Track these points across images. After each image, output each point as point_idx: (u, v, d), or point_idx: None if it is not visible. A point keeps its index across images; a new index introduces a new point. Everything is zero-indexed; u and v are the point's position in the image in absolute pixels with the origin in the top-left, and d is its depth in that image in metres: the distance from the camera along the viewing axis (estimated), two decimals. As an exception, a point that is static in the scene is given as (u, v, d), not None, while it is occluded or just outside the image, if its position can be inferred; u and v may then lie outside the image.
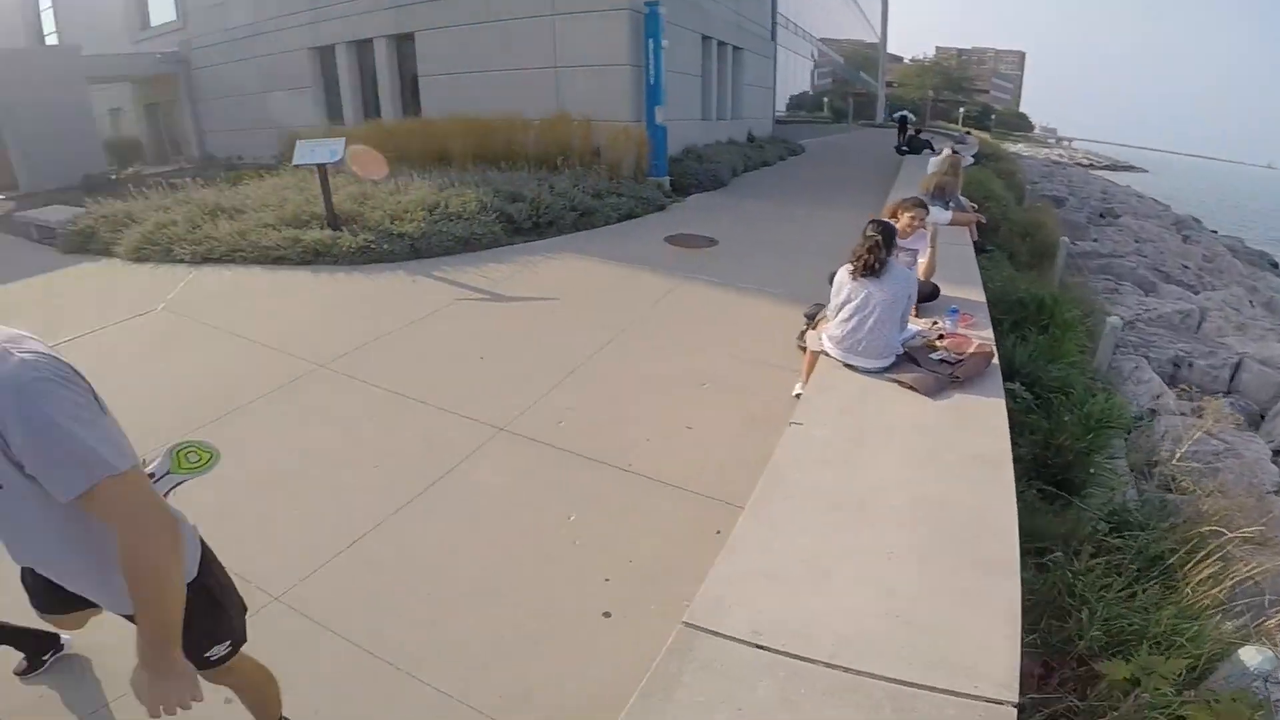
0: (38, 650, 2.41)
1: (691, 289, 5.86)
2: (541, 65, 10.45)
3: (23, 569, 1.55)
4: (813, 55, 27.84)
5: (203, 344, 4.89)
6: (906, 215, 4.35)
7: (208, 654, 1.56)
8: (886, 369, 3.47)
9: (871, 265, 3.45)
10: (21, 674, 2.40)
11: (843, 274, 3.55)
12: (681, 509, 2.93)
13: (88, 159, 14.65)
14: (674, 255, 7.06)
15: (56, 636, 2.40)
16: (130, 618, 1.35)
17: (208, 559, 1.55)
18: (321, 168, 6.75)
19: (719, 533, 2.65)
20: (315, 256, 6.45)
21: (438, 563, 2.68)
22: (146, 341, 5.02)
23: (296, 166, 7.16)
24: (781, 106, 22.36)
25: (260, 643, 1.78)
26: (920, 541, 2.20)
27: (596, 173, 8.98)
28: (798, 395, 3.66)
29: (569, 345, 4.62)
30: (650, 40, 9.77)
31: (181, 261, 6.71)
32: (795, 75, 24.74)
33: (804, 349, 4.00)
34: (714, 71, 14.14)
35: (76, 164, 14.21)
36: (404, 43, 12.07)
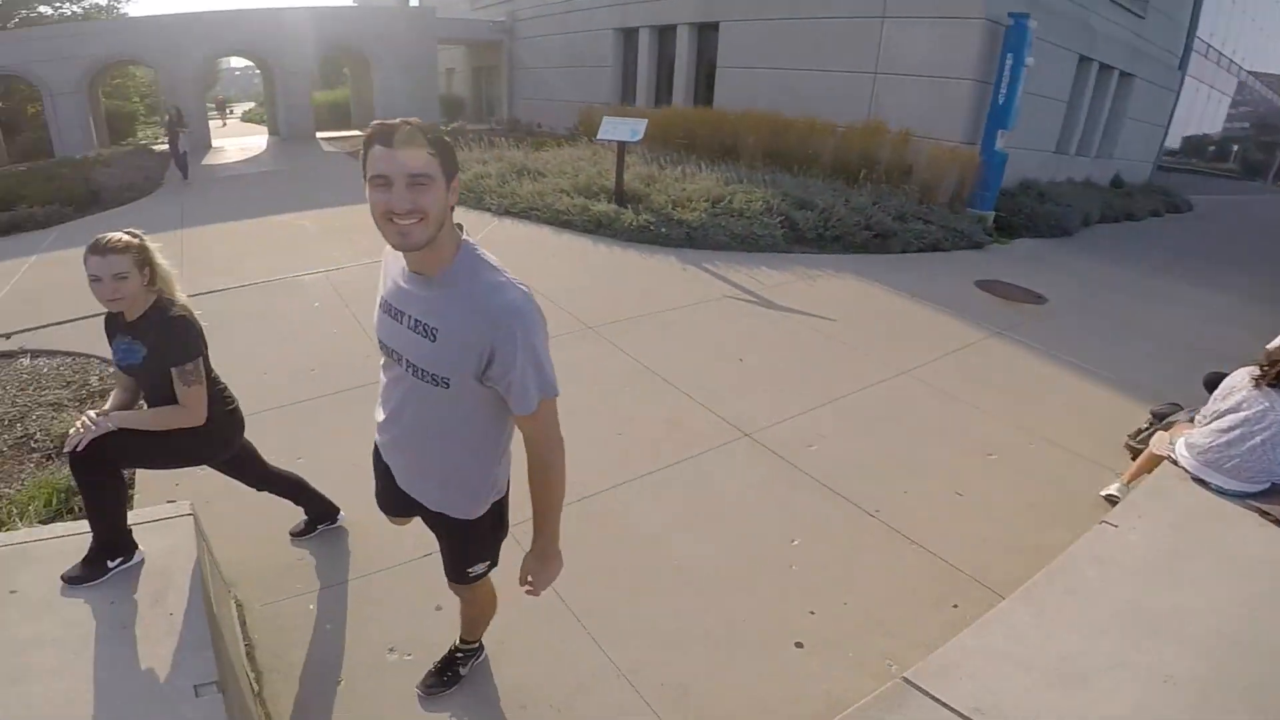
0: (317, 518, 3.02)
1: (1000, 347, 5.46)
2: (856, 69, 10.58)
3: (376, 458, 1.91)
4: (1233, 92, 23.40)
5: None
6: None
7: (471, 569, 1.87)
8: (1252, 494, 3.11)
9: None
10: (295, 534, 3.02)
11: (1241, 378, 3.27)
12: (920, 571, 2.92)
13: (427, 110, 18.60)
14: (985, 304, 6.55)
15: (337, 512, 3.02)
16: (432, 525, 1.82)
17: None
18: (620, 144, 7.70)
19: (956, 606, 2.69)
20: (597, 227, 7.42)
21: (650, 542, 2.98)
22: None
23: (598, 140, 8.12)
24: (1169, 150, 19.18)
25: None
26: (1209, 677, 2.05)
27: (905, 193, 8.75)
28: (1108, 496, 3.53)
29: (836, 371, 4.70)
30: (1009, 56, 9.20)
31: (489, 210, 8.35)
32: (1199, 113, 21.08)
33: (1134, 448, 3.86)
34: (1086, 99, 12.74)
35: (417, 112, 18.05)
36: (707, 32, 13.12)
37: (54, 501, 3.26)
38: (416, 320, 1.48)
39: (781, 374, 4.57)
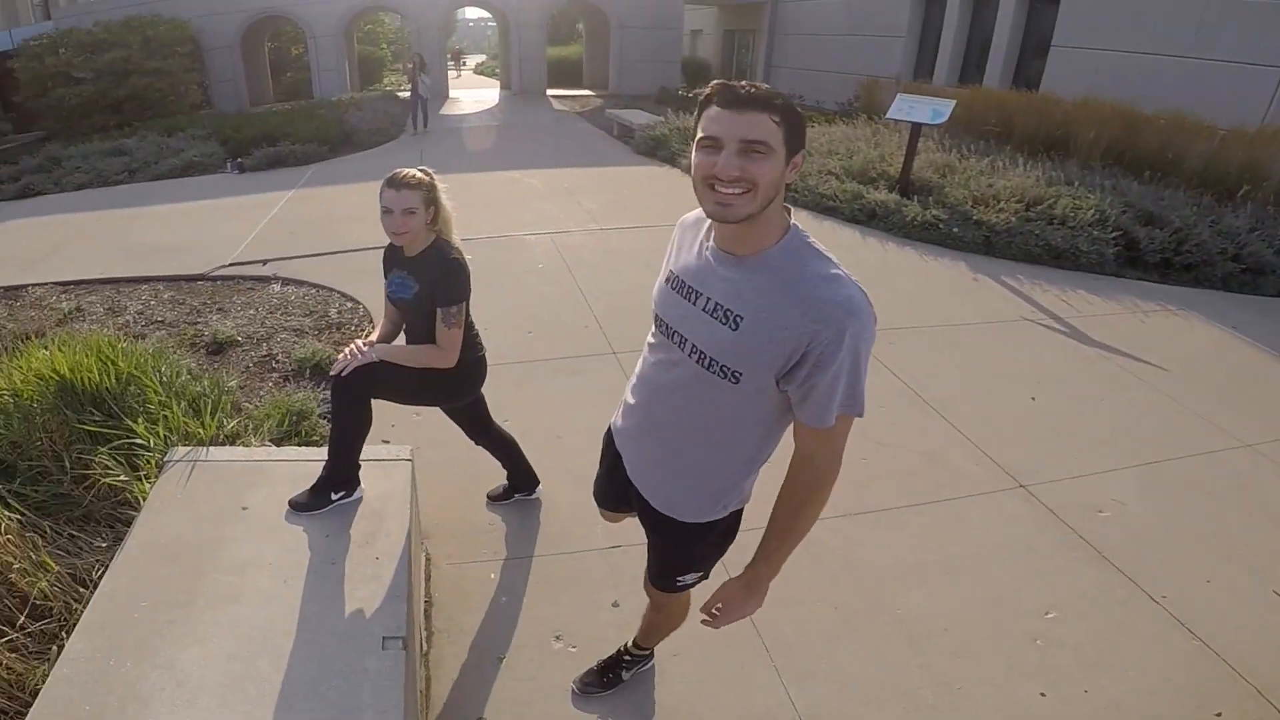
0: (517, 486, 3.33)
1: None
2: (1254, 60, 9.13)
3: (607, 444, 1.93)
4: None
5: None
6: None
7: (681, 578, 1.87)
8: None
9: None
10: (492, 498, 3.35)
11: None
12: (1191, 668, 2.66)
13: (667, 73, 19.15)
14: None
15: (536, 483, 3.31)
16: (651, 525, 1.78)
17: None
18: (915, 126, 7.23)
19: (1219, 715, 2.47)
20: (870, 218, 7.04)
21: (872, 583, 2.95)
22: None
23: (886, 119, 7.62)
24: None
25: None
26: None
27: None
28: None
29: (1155, 429, 4.15)
30: None
31: None
32: None
33: None
34: None
35: (657, 75, 18.79)
36: (1040, 3, 11.98)
37: (285, 422, 3.69)
38: (718, 304, 1.41)
39: (1080, 422, 4.17)
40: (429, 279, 2.52)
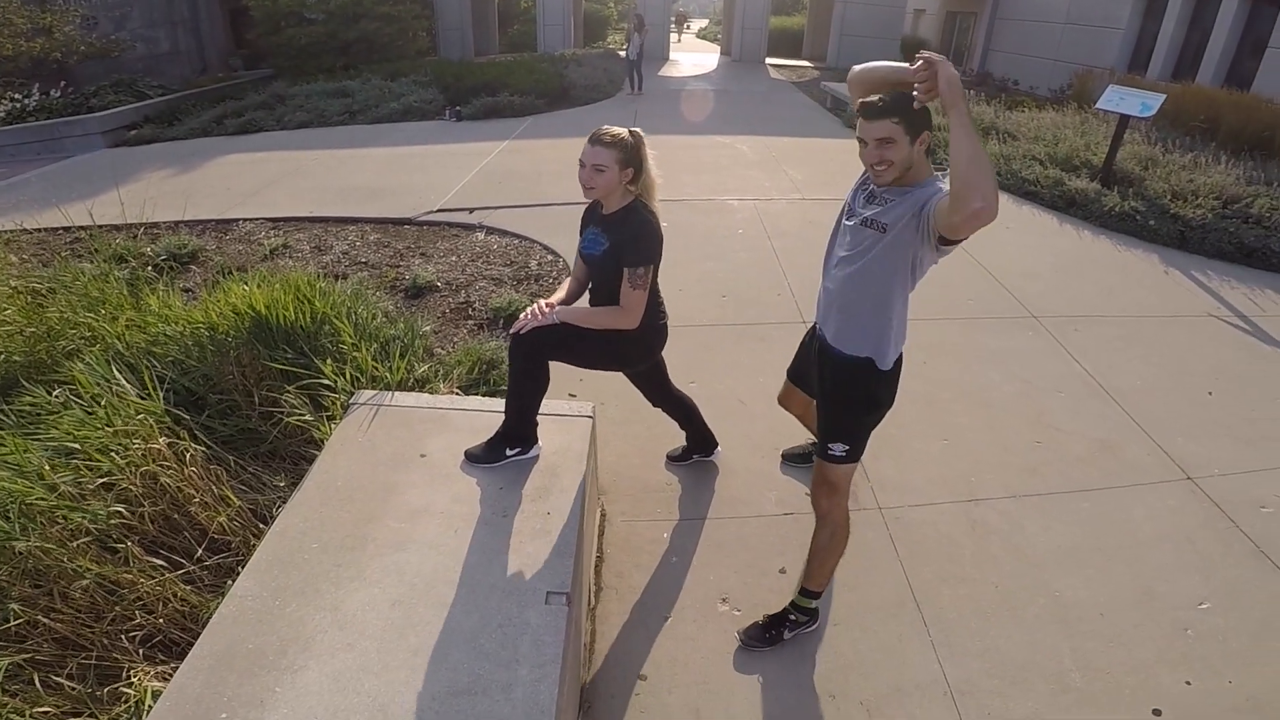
0: (696, 448, 3.35)
1: None
2: None
3: (807, 339, 2.70)
4: None
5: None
6: None
7: (832, 445, 2.30)
8: None
9: None
10: (671, 458, 3.37)
11: None
12: None
13: (886, 49, 18.16)
14: None
15: (715, 445, 3.36)
16: (820, 387, 2.44)
17: (900, 361, 2.31)
18: (1123, 118, 7.22)
19: None
20: (1069, 205, 7.15)
21: (1031, 565, 2.96)
22: None
23: (1097, 109, 7.80)
24: None
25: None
26: None
27: None
28: None
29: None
30: None
31: (935, 164, 8.38)
32: None
33: None
34: None
35: (876, 51, 17.89)
36: (1263, 3, 11.15)
37: (475, 370, 3.61)
38: (882, 196, 2.14)
39: (1256, 419, 4.10)
40: (620, 238, 2.43)
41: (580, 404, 2.81)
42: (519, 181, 7.53)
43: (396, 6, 15.24)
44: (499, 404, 2.60)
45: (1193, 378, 4.52)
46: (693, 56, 21.88)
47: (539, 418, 2.53)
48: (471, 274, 5.12)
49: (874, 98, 1.99)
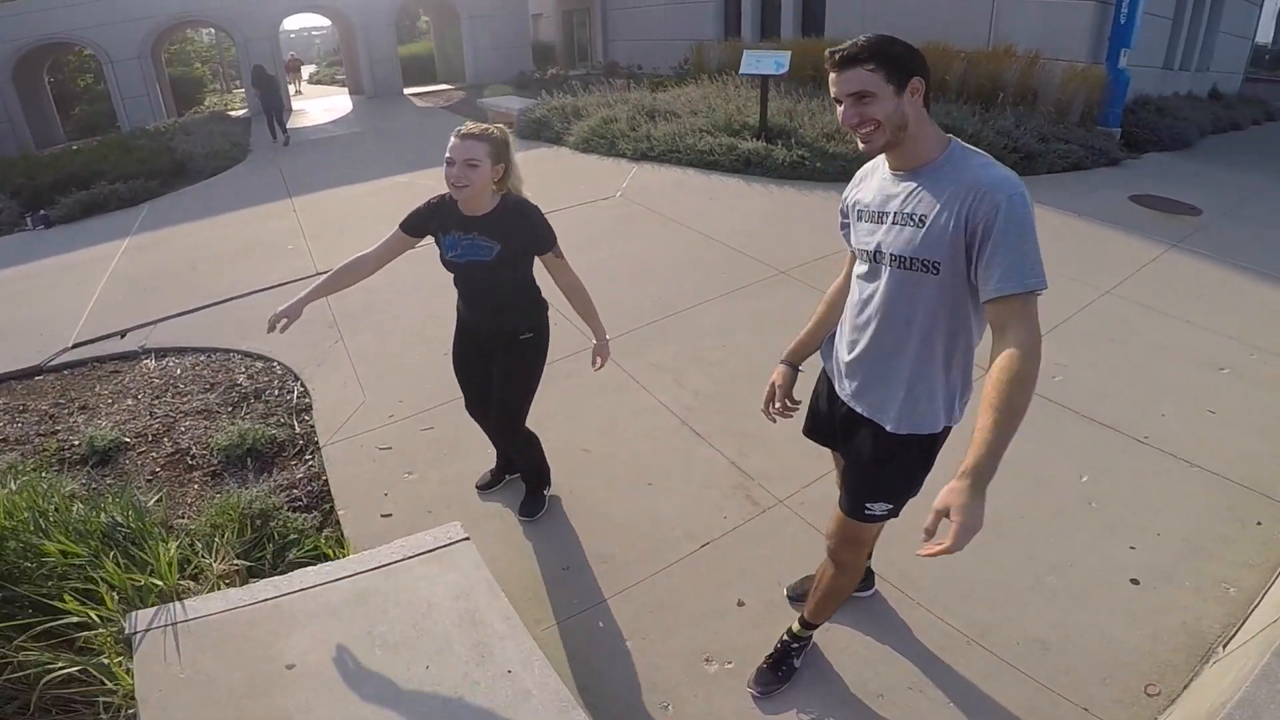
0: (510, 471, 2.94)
1: (1183, 260, 5.36)
2: None
3: (819, 386, 1.93)
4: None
5: (666, 232, 5.83)
6: None
7: (871, 505, 1.68)
8: None
9: None
10: (483, 487, 2.93)
11: None
12: (1210, 492, 2.87)
13: (520, 58, 17.98)
14: (1146, 218, 6.51)
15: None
16: (853, 447, 1.72)
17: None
18: (764, 79, 7.41)
19: (1260, 524, 2.66)
20: (746, 166, 7.19)
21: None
22: (618, 221, 6.14)
23: (741, 75, 7.99)
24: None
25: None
26: None
27: (1038, 115, 8.55)
28: None
29: (1051, 295, 4.66)
30: (1133, -26, 8.87)
31: (623, 156, 8.06)
32: (1261, 26, 20.14)
33: None
34: (1187, 14, 12.36)
35: (511, 62, 17.56)
36: None
37: (248, 529, 2.61)
38: (903, 213, 1.48)
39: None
40: (516, 233, 2.20)
41: (444, 528, 2.26)
42: (170, 282, 5.71)
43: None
44: (343, 568, 2.08)
45: None
46: (320, 102, 18.99)
47: (408, 562, 2.12)
48: (165, 414, 3.76)
49: (846, 42, 1.42)
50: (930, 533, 1.29)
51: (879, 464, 1.67)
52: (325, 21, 23.84)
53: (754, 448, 3.17)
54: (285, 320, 2.12)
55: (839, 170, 6.98)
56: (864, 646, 2.20)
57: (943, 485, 1.30)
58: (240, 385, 4.00)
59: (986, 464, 1.28)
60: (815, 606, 1.98)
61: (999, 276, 1.34)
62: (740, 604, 2.38)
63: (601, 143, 8.39)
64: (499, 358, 2.45)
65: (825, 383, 1.89)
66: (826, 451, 3.00)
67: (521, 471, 2.80)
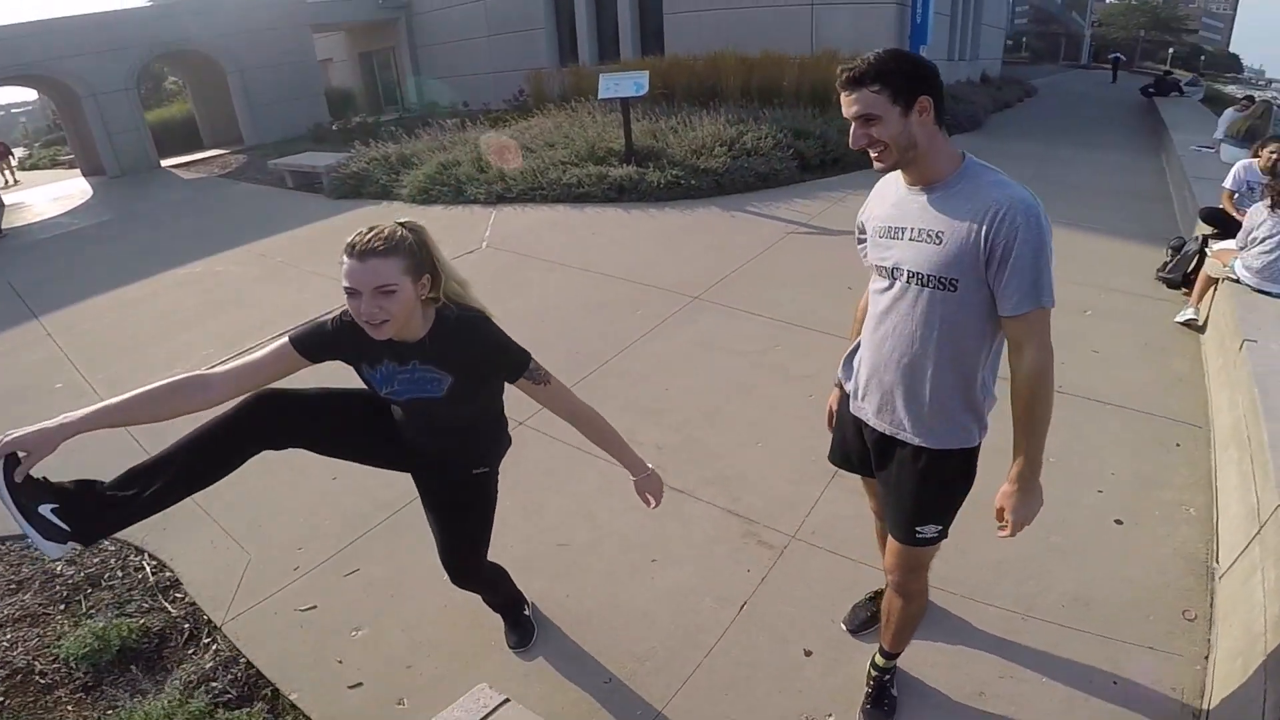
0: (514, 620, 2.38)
1: None
2: (797, 2, 10.60)
3: (841, 411, 1.83)
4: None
5: (555, 277, 5.25)
6: (1266, 151, 4.97)
7: (921, 528, 1.62)
8: None
9: None
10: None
11: (1260, 210, 3.96)
12: (1129, 426, 3.13)
13: (312, 109, 15.64)
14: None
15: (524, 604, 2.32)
16: (889, 473, 1.66)
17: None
18: (625, 102, 7.06)
19: (1179, 445, 2.98)
20: (620, 193, 6.78)
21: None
22: (496, 275, 5.40)
23: (600, 100, 7.57)
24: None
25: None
26: None
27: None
28: (1188, 321, 4.07)
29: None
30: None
31: (475, 202, 7.21)
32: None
33: (1166, 279, 4.68)
34: (959, 10, 13.88)
35: (301, 114, 15.21)
36: None
37: None
38: (919, 230, 1.46)
39: None
40: (468, 360, 1.60)
41: (472, 697, 1.79)
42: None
43: None
44: None
45: (829, 282, 4.75)
46: (44, 191, 14.06)
47: None
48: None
49: (854, 60, 1.39)
50: (1001, 516, 1.55)
51: (919, 484, 1.61)
52: (29, 95, 19.64)
53: (742, 489, 2.89)
54: (16, 453, 1.29)
55: (713, 185, 6.83)
56: (939, 653, 2.11)
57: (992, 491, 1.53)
58: (62, 574, 3.01)
59: (1029, 470, 1.48)
60: (893, 638, 1.90)
61: (1016, 295, 1.37)
62: (808, 654, 2.18)
63: (444, 190, 7.55)
64: (443, 488, 1.86)
65: (847, 406, 1.79)
66: (813, 471, 2.91)
67: (491, 606, 2.24)
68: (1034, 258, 1.35)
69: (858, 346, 1.75)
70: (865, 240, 1.65)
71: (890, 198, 1.55)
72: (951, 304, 1.45)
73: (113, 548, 3.08)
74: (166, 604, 2.72)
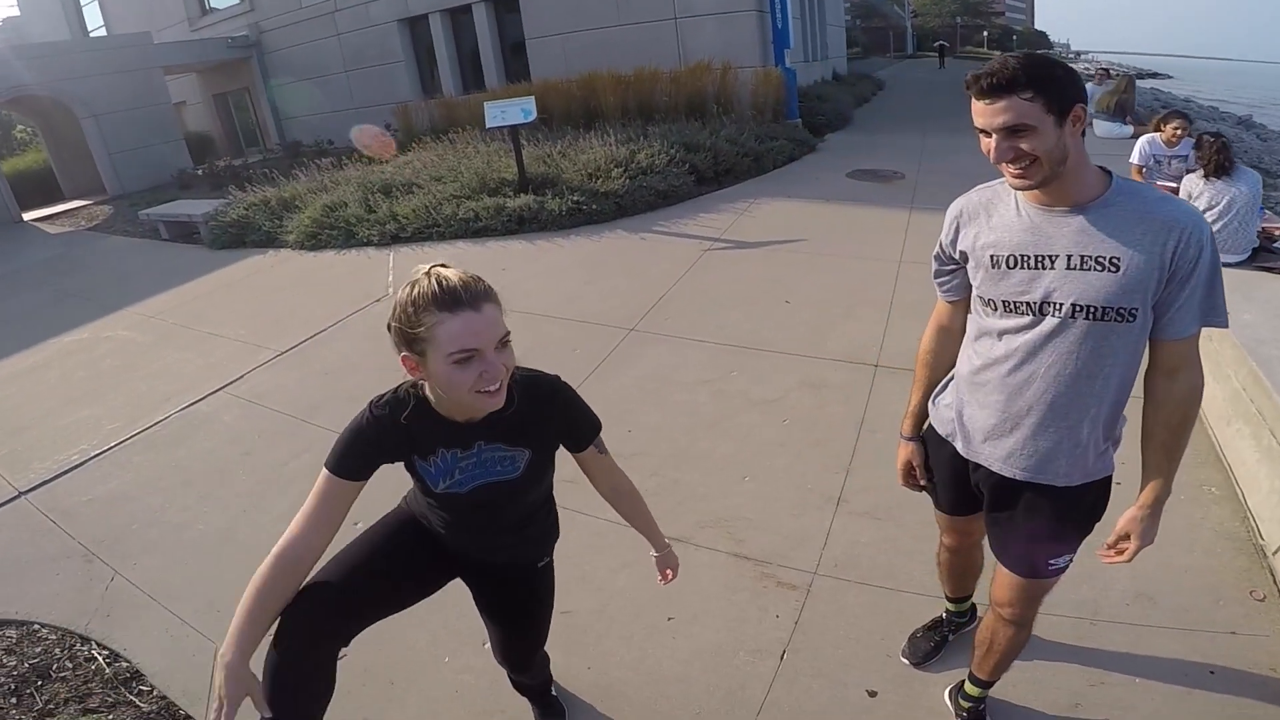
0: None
1: (929, 219, 5.98)
2: (660, 18, 10.53)
3: (936, 454, 1.67)
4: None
5: None
6: (1169, 126, 5.23)
7: (1054, 560, 1.47)
8: (1240, 263, 4.02)
9: (1224, 165, 4.01)
10: None
11: (1195, 180, 4.08)
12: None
13: (174, 154, 14.48)
14: (873, 191, 7.28)
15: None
16: (1016, 510, 1.49)
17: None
18: (514, 130, 6.76)
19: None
20: (520, 224, 6.44)
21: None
22: None
23: (488, 129, 7.19)
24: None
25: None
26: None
27: (742, 120, 9.17)
28: None
29: (858, 281, 4.79)
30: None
31: (369, 244, 6.65)
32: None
33: None
34: (807, 12, 14.36)
35: (164, 161, 14.04)
36: (504, 7, 12.04)
37: None
38: (1084, 256, 1.26)
39: (824, 301, 4.53)
40: (549, 427, 1.38)
41: None
42: None
43: None
44: None
45: (763, 295, 4.72)
46: None
47: None
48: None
49: (993, 62, 1.19)
50: (1111, 547, 1.43)
51: (1059, 520, 1.47)
52: None
53: (744, 530, 2.71)
54: (236, 699, 1.16)
55: (615, 208, 6.65)
56: (1015, 671, 1.94)
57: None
58: (7, 666, 2.64)
59: (1164, 495, 1.37)
60: (994, 666, 1.74)
61: (1188, 316, 1.27)
62: (872, 694, 2.01)
63: (334, 235, 6.93)
64: (510, 589, 1.64)
65: (945, 451, 1.62)
66: (812, 501, 2.77)
67: (522, 689, 2.02)
68: (1211, 276, 1.26)
69: (946, 386, 1.61)
70: (957, 270, 1.49)
71: (1013, 221, 1.34)
72: (1128, 336, 1.30)
73: (54, 636, 2.67)
74: (132, 697, 2.36)
